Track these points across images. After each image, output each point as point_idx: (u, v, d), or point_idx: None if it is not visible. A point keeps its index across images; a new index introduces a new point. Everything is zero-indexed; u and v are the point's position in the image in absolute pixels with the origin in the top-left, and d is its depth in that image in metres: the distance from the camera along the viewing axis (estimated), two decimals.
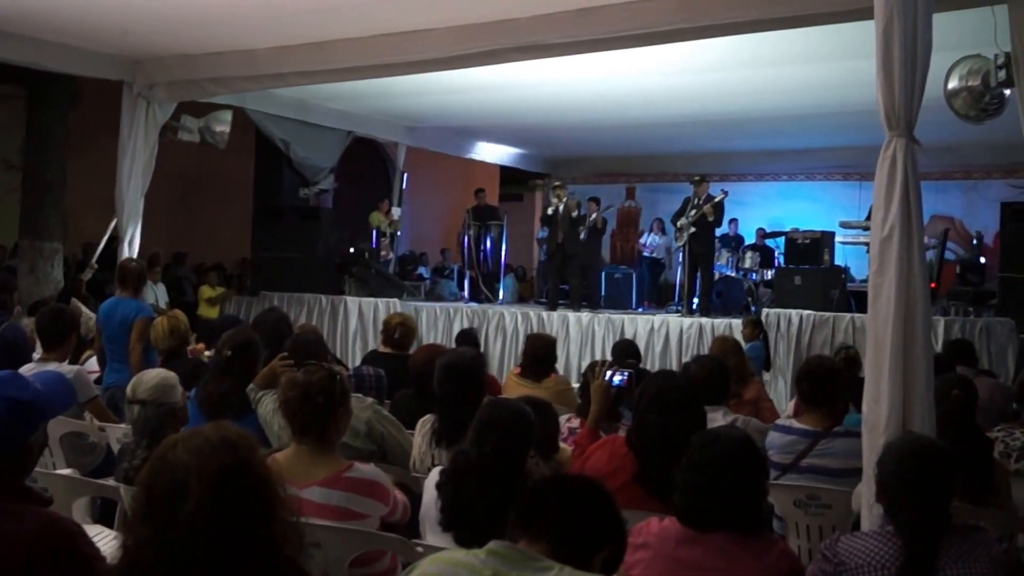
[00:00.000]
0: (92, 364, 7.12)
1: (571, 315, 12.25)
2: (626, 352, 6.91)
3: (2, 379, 2.69)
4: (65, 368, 5.60)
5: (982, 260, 13.29)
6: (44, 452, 3.67)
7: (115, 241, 10.32)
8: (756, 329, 10.36)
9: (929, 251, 12.24)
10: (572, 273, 13.14)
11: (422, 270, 16.72)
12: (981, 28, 6.29)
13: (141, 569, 1.97)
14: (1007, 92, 6.43)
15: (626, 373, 4.75)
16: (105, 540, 3.34)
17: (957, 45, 6.56)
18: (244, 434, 2.14)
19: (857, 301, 11.08)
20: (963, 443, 3.96)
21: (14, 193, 13.30)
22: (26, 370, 4.87)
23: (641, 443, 3.90)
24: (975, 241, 14.53)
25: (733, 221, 15.56)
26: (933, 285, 11.13)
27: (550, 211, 13.18)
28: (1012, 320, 10.34)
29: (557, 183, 13.61)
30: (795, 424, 4.79)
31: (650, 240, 16.42)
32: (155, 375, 4.33)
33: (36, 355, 6.16)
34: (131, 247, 9.91)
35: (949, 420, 4.25)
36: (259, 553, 2.01)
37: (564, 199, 13.00)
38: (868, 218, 11.83)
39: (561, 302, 13.08)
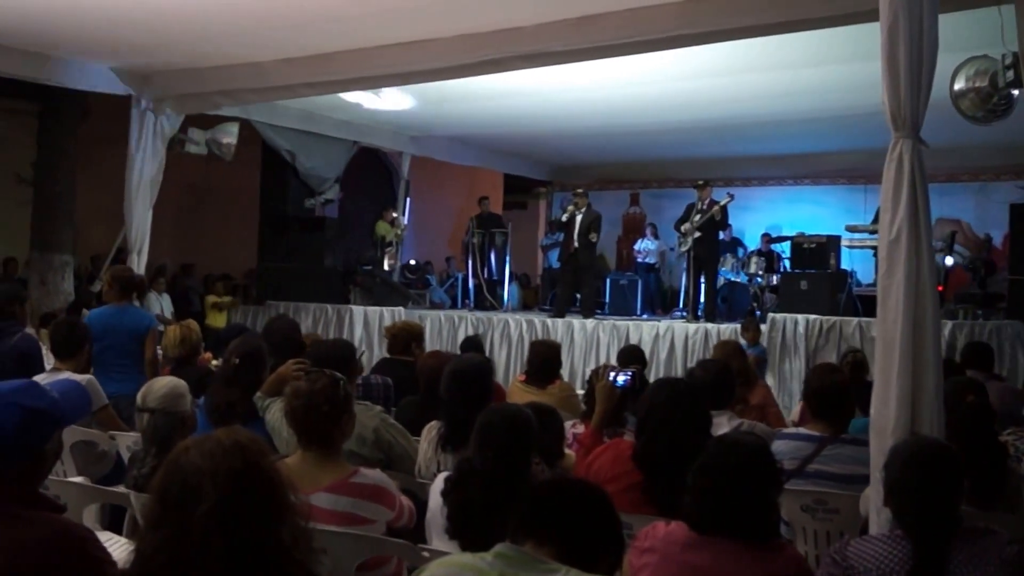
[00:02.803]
0: None
1: (576, 322, 12.24)
2: (632, 358, 6.91)
3: (19, 387, 2.71)
4: (77, 377, 5.61)
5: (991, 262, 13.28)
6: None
7: (123, 253, 10.36)
8: (758, 332, 10.34)
9: (936, 254, 12.20)
10: (584, 282, 13.13)
11: (427, 278, 16.75)
12: (988, 28, 6.28)
13: (154, 573, 1.98)
14: (1015, 92, 6.40)
15: (630, 373, 4.76)
16: (115, 546, 3.36)
17: (964, 46, 6.55)
18: (255, 438, 2.16)
19: (863, 305, 11.07)
20: (977, 450, 3.94)
21: (25, 206, 13.37)
22: (39, 380, 4.88)
23: (648, 458, 3.90)
24: (984, 244, 14.49)
25: (728, 226, 15.55)
26: (940, 288, 11.11)
27: (564, 217, 13.10)
28: (1021, 323, 10.29)
29: (579, 190, 13.50)
30: (801, 430, 4.78)
31: (643, 245, 16.40)
32: (165, 383, 4.32)
33: (48, 365, 6.20)
34: (140, 258, 9.95)
35: (963, 426, 4.23)
36: (271, 557, 2.02)
37: (583, 208, 12.93)
38: (874, 221, 11.84)
39: (572, 309, 13.08)
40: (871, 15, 4.19)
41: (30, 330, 6.94)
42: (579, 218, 12.85)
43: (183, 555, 1.95)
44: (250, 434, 2.17)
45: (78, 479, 4.69)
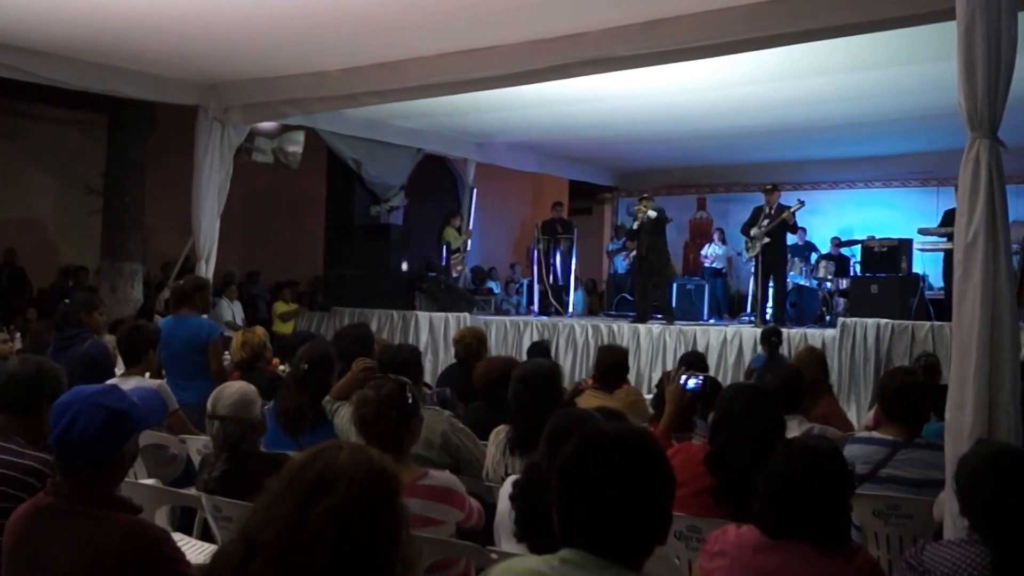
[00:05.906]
0: None
1: (642, 327, 12.16)
2: (693, 364, 6.84)
3: (100, 390, 2.85)
4: (147, 383, 5.70)
5: None
6: None
7: (191, 261, 10.51)
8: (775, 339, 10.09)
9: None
10: (655, 284, 13.01)
11: (492, 284, 16.77)
12: None
13: (260, 545, 1.98)
14: None
15: (701, 377, 4.75)
16: (186, 547, 3.42)
17: None
18: (398, 474, 2.15)
19: (936, 309, 10.87)
20: None
21: (95, 216, 13.65)
22: None
23: (724, 463, 3.86)
24: None
25: (801, 230, 15.34)
26: (1016, 291, 10.86)
27: (636, 225, 12.99)
28: None
29: (645, 195, 13.40)
30: (875, 434, 4.72)
31: (711, 250, 16.29)
32: (235, 391, 4.28)
33: (118, 371, 6.30)
34: (207, 266, 10.07)
35: None
36: None
37: (648, 210, 12.78)
38: (943, 223, 11.62)
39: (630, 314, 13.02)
40: (946, 14, 4.13)
41: (109, 338, 7.06)
42: (647, 220, 12.76)
43: (291, 538, 1.94)
44: (396, 467, 2.16)
45: (150, 481, 4.77)
